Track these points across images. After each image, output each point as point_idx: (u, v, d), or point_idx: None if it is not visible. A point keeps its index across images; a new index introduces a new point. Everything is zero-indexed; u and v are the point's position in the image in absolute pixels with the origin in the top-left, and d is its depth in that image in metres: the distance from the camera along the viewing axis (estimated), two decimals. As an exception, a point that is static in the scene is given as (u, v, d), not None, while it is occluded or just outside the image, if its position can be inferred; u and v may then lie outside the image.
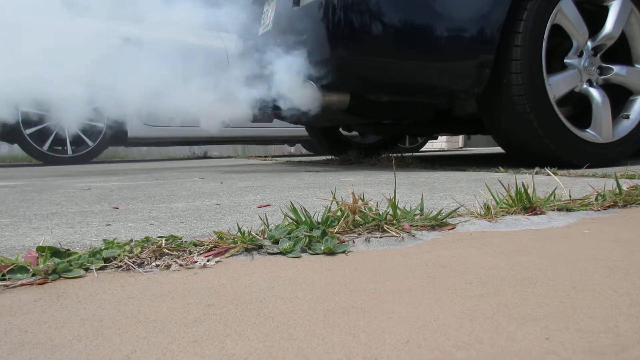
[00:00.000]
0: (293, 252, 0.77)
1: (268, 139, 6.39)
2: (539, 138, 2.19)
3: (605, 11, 2.33)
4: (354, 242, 0.83)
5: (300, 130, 4.96)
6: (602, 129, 2.31)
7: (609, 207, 1.10)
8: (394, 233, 0.86)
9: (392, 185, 1.71)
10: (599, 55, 2.34)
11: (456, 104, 2.70)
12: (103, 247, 0.76)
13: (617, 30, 2.31)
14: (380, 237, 0.86)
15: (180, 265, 0.72)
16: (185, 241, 0.82)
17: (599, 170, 2.00)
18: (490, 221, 0.97)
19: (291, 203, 0.98)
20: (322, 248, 0.78)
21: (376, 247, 0.81)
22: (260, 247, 0.80)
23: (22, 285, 0.65)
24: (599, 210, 1.07)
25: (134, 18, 4.27)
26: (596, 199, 1.14)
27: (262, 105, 2.59)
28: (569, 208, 1.07)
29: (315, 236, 0.81)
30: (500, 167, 2.25)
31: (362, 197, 0.95)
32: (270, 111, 2.65)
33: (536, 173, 1.95)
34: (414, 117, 3.06)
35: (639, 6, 2.35)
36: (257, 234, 0.84)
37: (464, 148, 9.04)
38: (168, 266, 0.71)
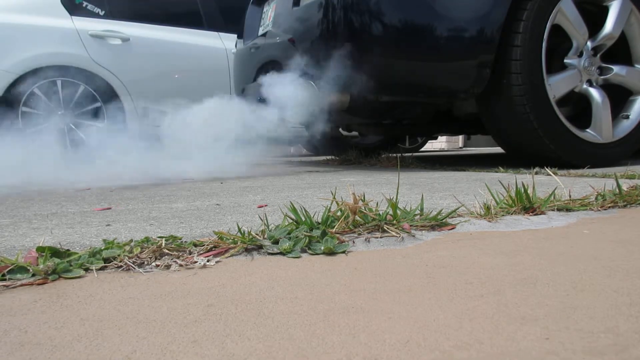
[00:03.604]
0: (293, 252, 0.77)
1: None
2: (539, 138, 2.19)
3: (605, 11, 2.33)
4: (354, 242, 0.83)
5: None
6: (602, 129, 2.31)
7: (609, 207, 1.10)
8: (393, 233, 0.86)
9: (392, 185, 1.71)
10: (598, 55, 2.34)
11: (456, 104, 2.70)
12: (103, 248, 0.76)
13: (617, 30, 2.31)
14: (380, 237, 0.86)
15: (180, 265, 0.72)
16: (185, 241, 0.82)
17: (599, 170, 2.00)
18: (490, 221, 0.97)
19: (291, 203, 0.98)
20: (322, 248, 0.78)
21: (376, 247, 0.81)
22: (260, 247, 0.80)
23: (22, 285, 0.65)
24: (599, 210, 1.07)
25: None
26: (596, 199, 1.14)
27: None
28: (569, 208, 1.07)
29: (315, 236, 0.81)
30: (500, 167, 2.25)
31: (362, 198, 0.95)
32: None
33: (536, 173, 1.95)
34: (413, 118, 3.06)
35: (639, 6, 2.35)
36: (257, 234, 0.84)
37: (464, 148, 9.04)
38: (168, 266, 0.72)
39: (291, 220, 0.90)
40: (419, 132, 4.73)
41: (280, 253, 0.78)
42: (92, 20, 4.18)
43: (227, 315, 0.52)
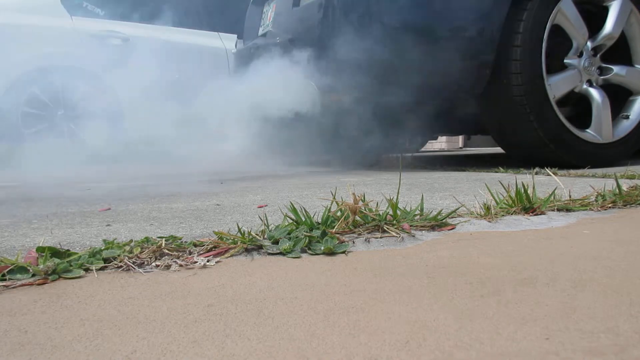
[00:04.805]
0: (293, 252, 0.77)
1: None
2: (539, 138, 2.19)
3: (605, 11, 2.33)
4: (354, 242, 0.83)
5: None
6: (602, 129, 2.31)
7: (609, 207, 1.10)
8: (393, 233, 0.86)
9: (392, 185, 1.71)
10: (598, 55, 2.34)
11: (456, 104, 2.70)
12: (103, 248, 0.76)
13: (617, 30, 2.31)
14: (380, 238, 0.86)
15: (180, 265, 0.72)
16: (185, 241, 0.82)
17: (599, 170, 2.00)
18: (490, 221, 0.97)
19: (291, 203, 0.98)
20: (322, 248, 0.78)
21: (376, 248, 0.81)
22: (260, 247, 0.80)
23: (22, 285, 0.65)
24: (599, 210, 1.07)
25: None
26: (596, 199, 1.14)
27: None
28: (569, 208, 1.07)
29: (315, 236, 0.81)
30: (500, 167, 2.25)
31: (362, 198, 0.94)
32: None
33: (536, 173, 1.95)
34: (413, 117, 3.06)
35: (639, 6, 2.35)
36: (257, 234, 0.84)
37: (464, 148, 9.04)
38: (168, 266, 0.71)
39: (291, 221, 0.90)
40: (419, 132, 4.72)
41: (280, 253, 0.78)
42: (92, 20, 4.18)
43: (227, 315, 0.52)
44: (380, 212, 0.93)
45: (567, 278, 0.61)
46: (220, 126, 2.75)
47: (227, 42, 4.54)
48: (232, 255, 0.77)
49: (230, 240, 0.81)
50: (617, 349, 0.41)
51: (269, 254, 0.78)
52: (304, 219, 0.89)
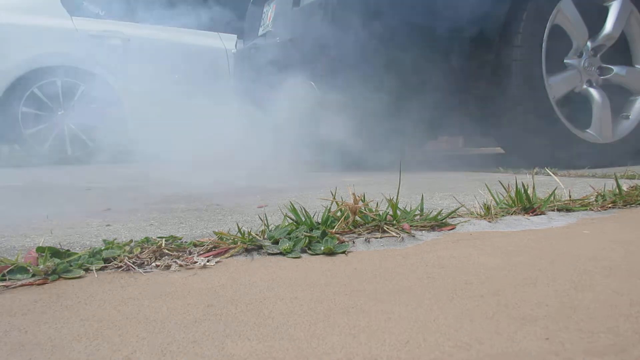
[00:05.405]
0: (293, 252, 0.77)
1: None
2: (539, 138, 2.19)
3: (605, 11, 2.33)
4: (354, 242, 0.83)
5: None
6: (602, 129, 2.31)
7: (609, 207, 1.10)
8: (393, 233, 0.86)
9: (392, 185, 1.71)
10: (598, 55, 2.34)
11: (456, 105, 2.70)
12: (103, 248, 0.76)
13: (617, 30, 2.31)
14: (380, 238, 0.86)
15: (180, 265, 0.72)
16: (185, 241, 0.82)
17: (599, 170, 2.00)
18: (490, 221, 0.97)
19: (291, 203, 0.98)
20: (322, 248, 0.78)
21: (376, 248, 0.81)
22: (260, 247, 0.80)
23: (22, 285, 0.65)
24: (599, 210, 1.07)
25: None
26: (596, 199, 1.14)
27: None
28: (569, 208, 1.07)
29: (315, 236, 0.81)
30: (500, 167, 2.25)
31: (362, 198, 0.94)
32: None
33: (536, 173, 1.95)
34: (413, 117, 3.05)
35: (639, 7, 2.35)
36: (257, 235, 0.84)
37: (464, 148, 9.03)
38: (168, 266, 0.72)
39: (291, 221, 0.90)
40: (419, 132, 4.72)
41: (280, 253, 0.78)
42: (92, 20, 4.18)
43: (227, 316, 0.52)
44: (380, 212, 0.93)
45: (567, 278, 0.61)
46: (218, 126, 2.75)
47: (227, 42, 4.54)
48: (232, 256, 0.77)
49: (230, 241, 0.81)
50: (617, 349, 0.41)
51: (269, 254, 0.78)
52: (304, 219, 0.89)
